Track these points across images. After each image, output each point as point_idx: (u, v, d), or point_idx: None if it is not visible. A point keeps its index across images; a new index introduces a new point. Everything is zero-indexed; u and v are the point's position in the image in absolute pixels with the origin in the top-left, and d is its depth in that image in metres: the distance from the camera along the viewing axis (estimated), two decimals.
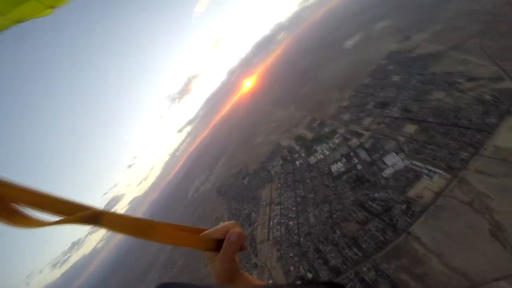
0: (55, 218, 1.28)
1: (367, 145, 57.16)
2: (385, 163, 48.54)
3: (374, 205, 42.96)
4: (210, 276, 2.16)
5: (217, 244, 1.83)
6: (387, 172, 46.40)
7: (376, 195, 44.24)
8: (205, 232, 1.91)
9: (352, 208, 46.07)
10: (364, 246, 39.01)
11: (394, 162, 47.23)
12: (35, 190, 1.26)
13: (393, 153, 49.03)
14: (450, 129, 43.98)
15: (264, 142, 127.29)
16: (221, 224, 1.93)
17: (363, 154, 55.80)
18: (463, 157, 38.39)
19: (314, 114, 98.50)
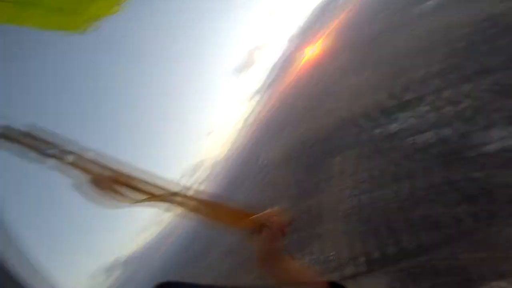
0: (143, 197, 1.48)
1: (465, 114, 47.20)
2: (488, 136, 39.57)
3: (468, 186, 36.51)
4: None
5: (262, 228, 1.84)
6: (490, 148, 37.57)
7: (474, 175, 37.11)
8: (252, 216, 1.94)
9: (440, 187, 40.31)
10: (446, 231, 34.27)
11: (501, 136, 37.70)
12: (132, 175, 1.46)
13: (501, 124, 39.16)
14: None
15: (334, 108, 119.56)
16: (268, 210, 1.94)
17: (459, 125, 46.61)
18: None
19: (395, 79, 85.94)
